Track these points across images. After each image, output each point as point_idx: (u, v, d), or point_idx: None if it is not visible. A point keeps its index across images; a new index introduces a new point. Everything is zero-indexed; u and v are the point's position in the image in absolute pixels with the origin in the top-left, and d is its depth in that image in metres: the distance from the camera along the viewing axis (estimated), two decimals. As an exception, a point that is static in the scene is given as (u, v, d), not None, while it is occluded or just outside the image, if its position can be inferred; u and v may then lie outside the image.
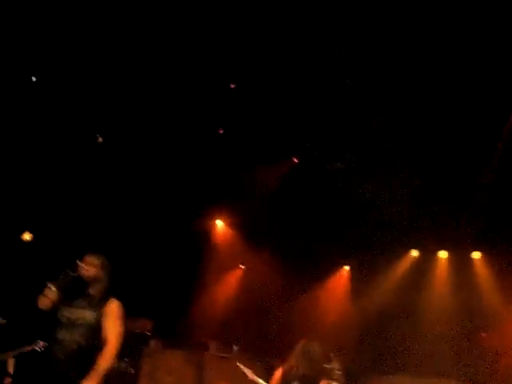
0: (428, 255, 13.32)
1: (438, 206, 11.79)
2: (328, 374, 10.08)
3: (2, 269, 10.71)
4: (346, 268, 14.07)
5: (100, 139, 11.31)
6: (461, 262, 12.98)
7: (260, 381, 8.30)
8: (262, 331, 13.30)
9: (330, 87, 10.08)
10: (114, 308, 6.10)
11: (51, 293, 6.06)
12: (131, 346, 10.96)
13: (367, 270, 13.19)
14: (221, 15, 8.99)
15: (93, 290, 6.17)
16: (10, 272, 10.88)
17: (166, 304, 12.24)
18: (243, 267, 14.28)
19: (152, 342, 11.32)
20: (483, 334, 11.21)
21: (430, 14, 8.43)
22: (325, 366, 10.17)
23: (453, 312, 12.45)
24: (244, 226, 13.34)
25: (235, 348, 12.57)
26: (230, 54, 9.71)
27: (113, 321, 6.04)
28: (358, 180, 11.83)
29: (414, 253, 13.38)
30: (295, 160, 12.08)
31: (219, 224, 13.84)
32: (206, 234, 13.65)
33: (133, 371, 10.80)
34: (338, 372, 9.99)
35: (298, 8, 8.66)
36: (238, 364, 8.03)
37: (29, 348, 8.99)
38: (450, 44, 8.71)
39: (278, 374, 7.83)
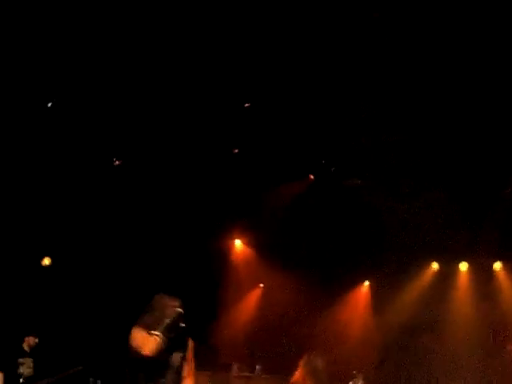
0: (448, 268, 13.26)
1: (458, 218, 11.75)
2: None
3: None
4: (366, 284, 14.00)
5: (117, 162, 11.37)
6: (482, 273, 12.92)
7: None
8: (283, 349, 13.22)
9: (346, 104, 10.12)
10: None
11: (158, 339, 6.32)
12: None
13: (388, 285, 13.12)
14: (235, 35, 9.03)
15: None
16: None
17: (187, 325, 12.18)
18: (262, 286, 14.23)
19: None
20: (509, 347, 11.10)
21: (445, 29, 8.46)
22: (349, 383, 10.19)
23: (475, 324, 12.39)
24: (263, 245, 13.32)
25: (258, 367, 12.52)
26: (245, 73, 9.75)
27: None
28: (377, 195, 11.84)
29: (435, 265, 13.33)
30: (311, 177, 12.11)
31: (238, 243, 13.83)
32: (224, 254, 13.64)
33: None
34: (362, 388, 9.99)
35: (313, 32, 8.71)
36: None
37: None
38: (473, 62, 8.73)
39: None
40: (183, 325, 6.31)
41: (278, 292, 13.26)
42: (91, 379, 10.63)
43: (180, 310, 6.31)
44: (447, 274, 13.20)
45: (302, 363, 8.15)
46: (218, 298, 12.96)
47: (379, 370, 12.39)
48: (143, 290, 11.94)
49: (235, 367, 12.17)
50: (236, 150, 11.66)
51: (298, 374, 8.12)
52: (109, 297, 11.62)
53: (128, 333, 6.12)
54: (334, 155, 11.50)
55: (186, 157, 11.31)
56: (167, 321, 6.23)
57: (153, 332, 6.05)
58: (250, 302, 14.01)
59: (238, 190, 12.05)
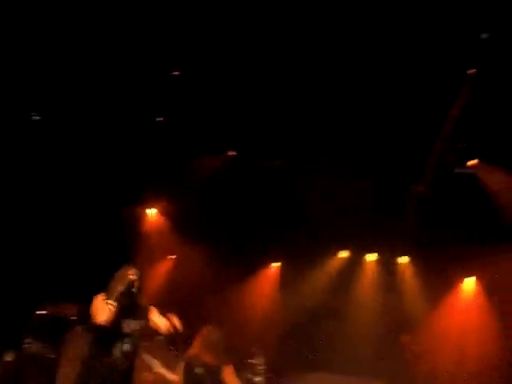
0: (357, 257, 13.52)
1: (371, 211, 11.98)
2: (251, 369, 10.17)
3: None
4: (277, 264, 14.12)
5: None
6: (388, 266, 13.23)
7: (166, 372, 8.37)
8: (188, 322, 13.20)
9: (272, 83, 10.14)
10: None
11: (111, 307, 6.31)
12: (54, 331, 10.82)
13: (297, 269, 13.29)
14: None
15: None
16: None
17: (91, 289, 12.04)
18: (174, 257, 14.16)
19: (77, 327, 11.12)
20: (405, 337, 11.40)
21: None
22: (248, 360, 10.27)
23: (378, 314, 12.67)
24: (178, 217, 13.25)
25: (161, 338, 12.46)
26: (174, 43, 9.67)
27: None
28: (295, 179, 11.94)
29: (344, 253, 13.55)
30: (232, 153, 12.11)
31: (152, 212, 13.71)
32: (138, 222, 13.50)
33: (53, 356, 10.62)
34: (260, 367, 10.09)
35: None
36: (143, 357, 8.06)
37: None
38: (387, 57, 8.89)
39: (183, 363, 7.99)
40: (136, 292, 6.39)
41: (189, 265, 13.22)
42: None
43: (133, 277, 6.36)
44: (355, 263, 13.45)
45: (199, 337, 8.24)
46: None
47: (279, 350, 12.53)
48: (54, 258, 11.86)
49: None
50: (161, 119, 11.56)
51: (195, 347, 8.20)
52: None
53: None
54: (257, 134, 11.51)
55: (106, 120, 11.15)
56: (121, 288, 6.33)
57: (108, 301, 6.15)
58: (160, 273, 13.92)
59: (157, 159, 11.95)
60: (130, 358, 6.47)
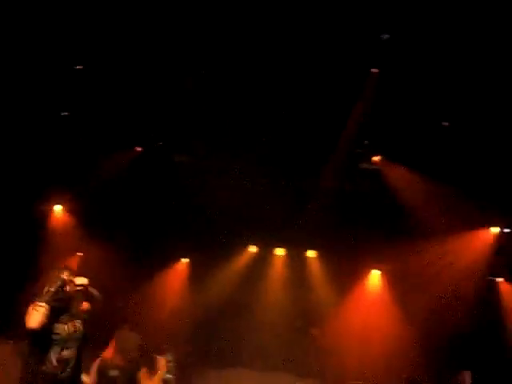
0: (266, 251, 13.63)
1: (280, 205, 12.09)
2: (160, 366, 10.10)
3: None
4: (185, 261, 14.05)
5: None
6: (297, 260, 13.40)
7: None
8: (99, 320, 12.98)
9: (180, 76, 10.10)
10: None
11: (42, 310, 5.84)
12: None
13: (206, 264, 13.27)
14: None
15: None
16: None
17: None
18: (80, 254, 13.86)
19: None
20: (314, 331, 11.58)
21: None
22: (157, 357, 10.20)
23: (287, 308, 12.83)
24: (84, 214, 12.98)
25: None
26: (78, 36, 9.46)
27: None
28: (203, 173, 11.93)
29: (252, 248, 13.64)
30: (138, 149, 11.98)
31: (57, 209, 13.39)
32: (43, 220, 13.17)
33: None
34: (170, 364, 10.03)
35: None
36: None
37: None
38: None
39: (96, 364, 7.90)
40: (68, 291, 6.05)
41: (96, 263, 12.95)
42: None
43: (64, 277, 6.04)
44: (264, 258, 13.56)
45: (113, 340, 8.13)
46: (30, 266, 12.48)
47: (189, 346, 12.52)
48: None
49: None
50: (66, 113, 11.30)
51: (109, 351, 8.09)
52: None
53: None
54: (163, 129, 11.44)
55: (12, 115, 10.80)
56: (51, 289, 5.94)
57: (38, 303, 5.75)
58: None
59: (63, 155, 11.69)
60: (70, 364, 6.10)
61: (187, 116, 10.83)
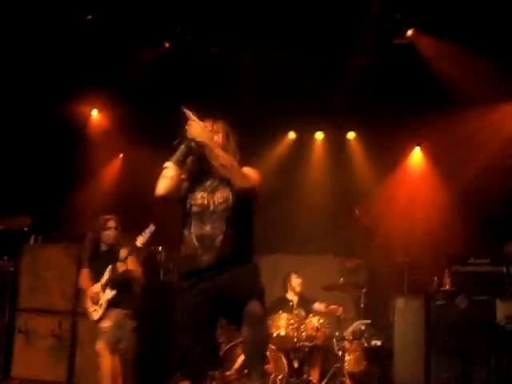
0: (305, 137, 13.52)
1: (313, 87, 11.88)
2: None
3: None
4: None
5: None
6: (336, 143, 13.30)
7: None
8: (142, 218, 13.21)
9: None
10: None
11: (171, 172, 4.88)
12: (9, 244, 10.80)
13: (245, 154, 13.21)
14: None
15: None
16: None
17: (42, 198, 11.96)
18: (122, 156, 14.00)
19: (31, 239, 11.11)
20: (359, 210, 11.60)
21: None
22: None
23: (329, 190, 12.82)
24: (121, 115, 12.99)
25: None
26: None
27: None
28: (236, 65, 11.72)
29: (292, 135, 13.55)
30: (166, 45, 11.79)
31: (94, 113, 13.46)
32: (81, 123, 13.24)
33: (12, 269, 10.66)
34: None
35: None
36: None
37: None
38: None
39: None
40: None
41: (138, 162, 13.07)
42: None
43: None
44: (303, 143, 13.48)
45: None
46: (74, 170, 12.68)
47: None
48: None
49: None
50: (89, 16, 11.12)
51: None
52: None
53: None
54: (191, 23, 11.18)
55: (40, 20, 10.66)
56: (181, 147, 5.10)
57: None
58: (108, 172, 13.79)
59: (92, 57, 11.57)
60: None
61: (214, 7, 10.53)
